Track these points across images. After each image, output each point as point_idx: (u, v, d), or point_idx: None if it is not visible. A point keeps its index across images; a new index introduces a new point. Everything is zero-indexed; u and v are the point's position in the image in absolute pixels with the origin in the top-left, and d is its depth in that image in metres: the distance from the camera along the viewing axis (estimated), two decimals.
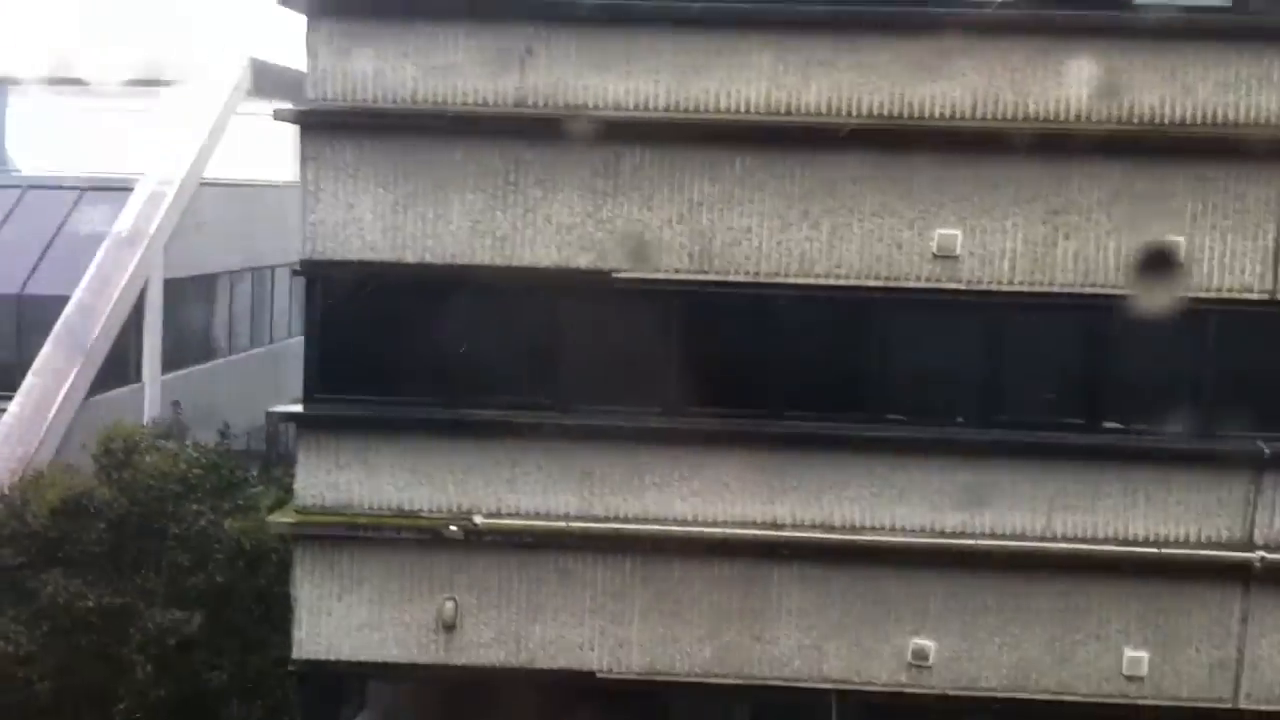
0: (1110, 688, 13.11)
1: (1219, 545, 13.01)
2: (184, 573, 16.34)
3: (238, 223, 26.55)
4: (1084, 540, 13.01)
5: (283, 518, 13.51)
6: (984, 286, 12.82)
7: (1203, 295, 12.79)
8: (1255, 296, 12.82)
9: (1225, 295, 12.80)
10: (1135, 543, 13.01)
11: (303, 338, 13.69)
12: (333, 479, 13.15)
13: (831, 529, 13.04)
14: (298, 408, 13.40)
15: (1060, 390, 13.29)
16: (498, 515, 13.11)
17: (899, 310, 12.96)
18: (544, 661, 13.20)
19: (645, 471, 13.08)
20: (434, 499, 13.12)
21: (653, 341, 13.09)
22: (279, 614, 14.87)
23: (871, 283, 12.86)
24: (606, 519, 13.09)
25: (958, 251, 12.78)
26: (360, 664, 13.36)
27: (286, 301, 28.84)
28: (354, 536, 13.11)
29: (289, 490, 13.89)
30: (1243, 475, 12.97)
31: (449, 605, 13.08)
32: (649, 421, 13.08)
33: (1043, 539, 13.01)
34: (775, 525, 13.06)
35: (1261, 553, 12.93)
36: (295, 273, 13.49)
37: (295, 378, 13.64)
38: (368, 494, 13.14)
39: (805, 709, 12.72)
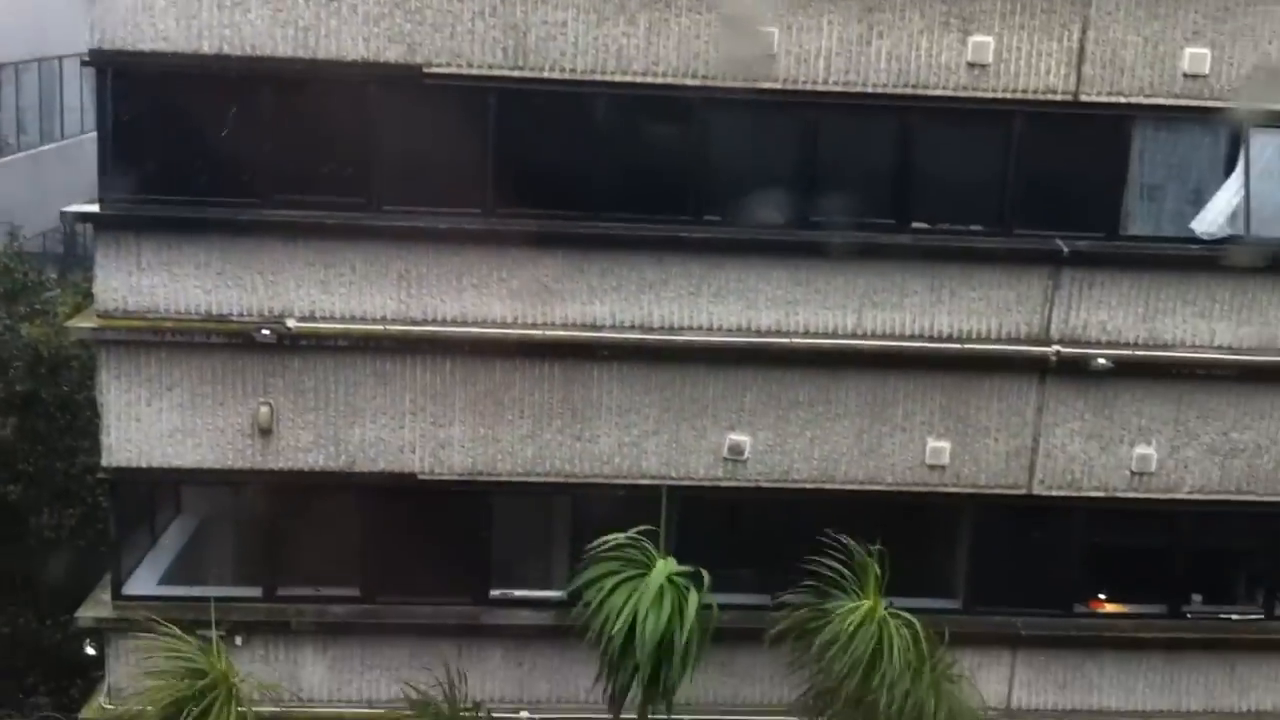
0: (914, 477, 13.69)
1: (1018, 340, 13.53)
2: None
3: (21, 11, 24.93)
4: (891, 337, 13.40)
5: (83, 323, 13.03)
6: (800, 86, 12.82)
7: (1008, 96, 13.02)
8: (1058, 98, 13.09)
9: (1030, 96, 13.03)
10: (939, 338, 13.45)
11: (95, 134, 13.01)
12: (135, 282, 12.69)
13: (650, 329, 13.15)
14: (94, 208, 12.80)
15: (871, 191, 13.47)
16: (311, 318, 12.86)
17: (717, 110, 12.89)
18: (364, 465, 13.17)
19: (463, 273, 12.94)
20: (244, 302, 12.78)
21: (468, 140, 12.80)
22: (85, 422, 14.52)
23: (689, 81, 12.73)
24: (424, 321, 12.96)
25: (775, 50, 12.71)
26: (174, 470, 13.15)
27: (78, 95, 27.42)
28: (161, 341, 12.75)
29: (89, 294, 13.37)
30: (1042, 272, 13.44)
31: (264, 410, 12.88)
32: (466, 223, 12.89)
33: (853, 336, 13.35)
34: (595, 326, 13.10)
35: (1057, 347, 13.50)
36: (85, 64, 12.73)
37: (92, 176, 12.99)
38: (173, 297, 12.73)
39: (625, 505, 12.94)
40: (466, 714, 12.68)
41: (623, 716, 12.48)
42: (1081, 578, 14.31)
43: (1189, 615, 14.47)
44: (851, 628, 12.03)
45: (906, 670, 12.00)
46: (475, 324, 13.01)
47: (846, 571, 12.52)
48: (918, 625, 12.23)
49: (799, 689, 13.02)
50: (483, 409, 13.20)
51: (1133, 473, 13.88)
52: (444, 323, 12.98)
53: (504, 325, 13.04)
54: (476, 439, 13.24)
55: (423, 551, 13.47)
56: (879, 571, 12.32)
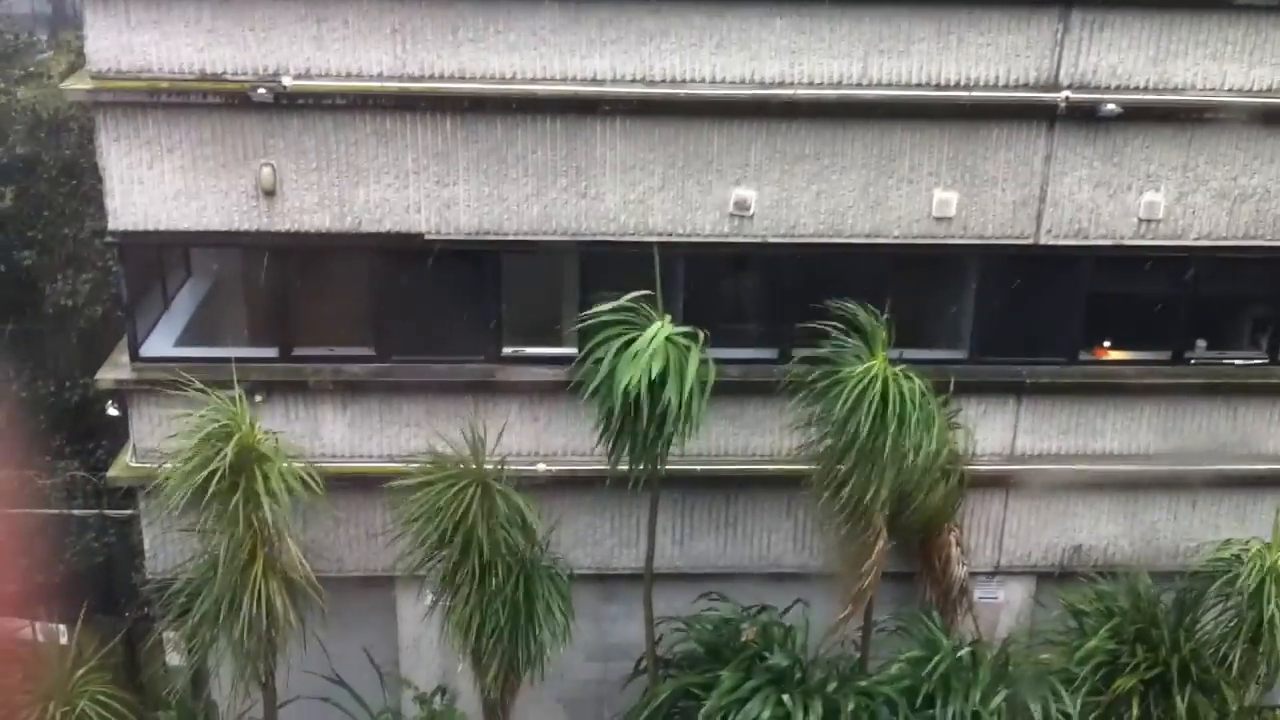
0: (920, 229, 13.64)
1: (1026, 87, 13.31)
2: None
3: None
4: (898, 86, 13.18)
5: (78, 84, 12.86)
6: None
7: None
8: None
9: None
10: (946, 86, 13.23)
11: None
12: (126, 40, 12.47)
13: (652, 82, 12.95)
14: None
15: None
16: (307, 76, 12.68)
17: None
18: (370, 225, 13.17)
19: (458, 26, 12.66)
20: (237, 60, 12.58)
21: None
22: (90, 186, 14.49)
23: None
24: (422, 78, 12.77)
25: None
26: (180, 233, 13.17)
27: None
28: (157, 102, 12.62)
29: (82, 54, 13.15)
30: (1051, 15, 13.12)
31: (266, 171, 12.82)
32: None
33: (859, 86, 13.13)
34: (595, 80, 12.90)
35: (1066, 93, 13.28)
36: None
37: None
38: (166, 56, 12.53)
39: (632, 262, 12.94)
40: (489, 465, 12.97)
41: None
42: (1087, 326, 14.39)
43: (1192, 361, 14.62)
44: (860, 379, 12.21)
45: (913, 420, 12.22)
46: (474, 79, 12.82)
47: (855, 325, 12.64)
48: (923, 379, 12.44)
49: (808, 440, 13.30)
50: (487, 167, 13.11)
51: (1140, 220, 13.82)
52: (442, 79, 12.79)
53: (503, 80, 12.85)
54: (482, 198, 13.20)
55: (435, 311, 13.60)
56: (886, 324, 12.43)
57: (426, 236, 13.28)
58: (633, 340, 11.93)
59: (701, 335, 12.04)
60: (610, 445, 12.37)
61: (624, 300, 12.20)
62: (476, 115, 12.94)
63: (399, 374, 13.83)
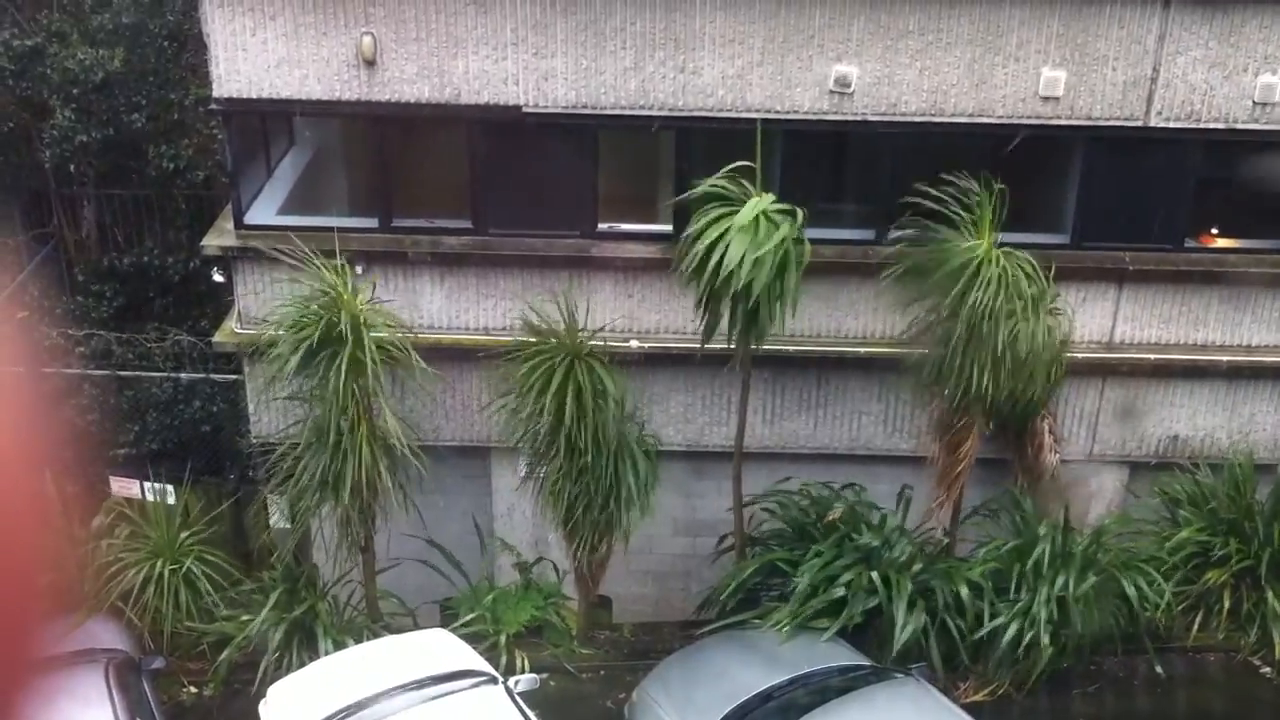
0: (1026, 109, 13.34)
1: None
2: (89, 11, 15.81)
3: None
4: None
5: None
6: None
7: None
8: None
9: None
10: None
11: None
12: None
13: None
14: None
15: None
16: None
17: None
18: (469, 97, 13.16)
19: None
20: None
21: None
22: (194, 54, 14.60)
23: None
24: None
25: None
26: (283, 101, 13.25)
27: None
28: None
29: None
30: None
31: (367, 40, 12.84)
32: None
33: None
34: None
35: None
36: None
37: None
38: None
39: (730, 139, 12.83)
40: (583, 338, 13.08)
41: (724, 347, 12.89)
42: (1194, 213, 14.07)
43: None
44: (968, 258, 12.12)
45: (1021, 305, 12.13)
46: None
47: (960, 207, 12.49)
48: (1032, 263, 12.29)
49: (906, 323, 13.25)
50: (584, 40, 13.02)
51: (1255, 103, 13.40)
52: None
53: None
54: (580, 71, 13.12)
55: (532, 185, 13.63)
56: (994, 206, 12.27)
57: (524, 109, 13.26)
58: (730, 215, 11.89)
59: (800, 213, 11.96)
60: (705, 322, 12.40)
61: (722, 175, 12.14)
62: None
63: (495, 247, 13.90)
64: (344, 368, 12.43)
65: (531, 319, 13.21)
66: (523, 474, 14.41)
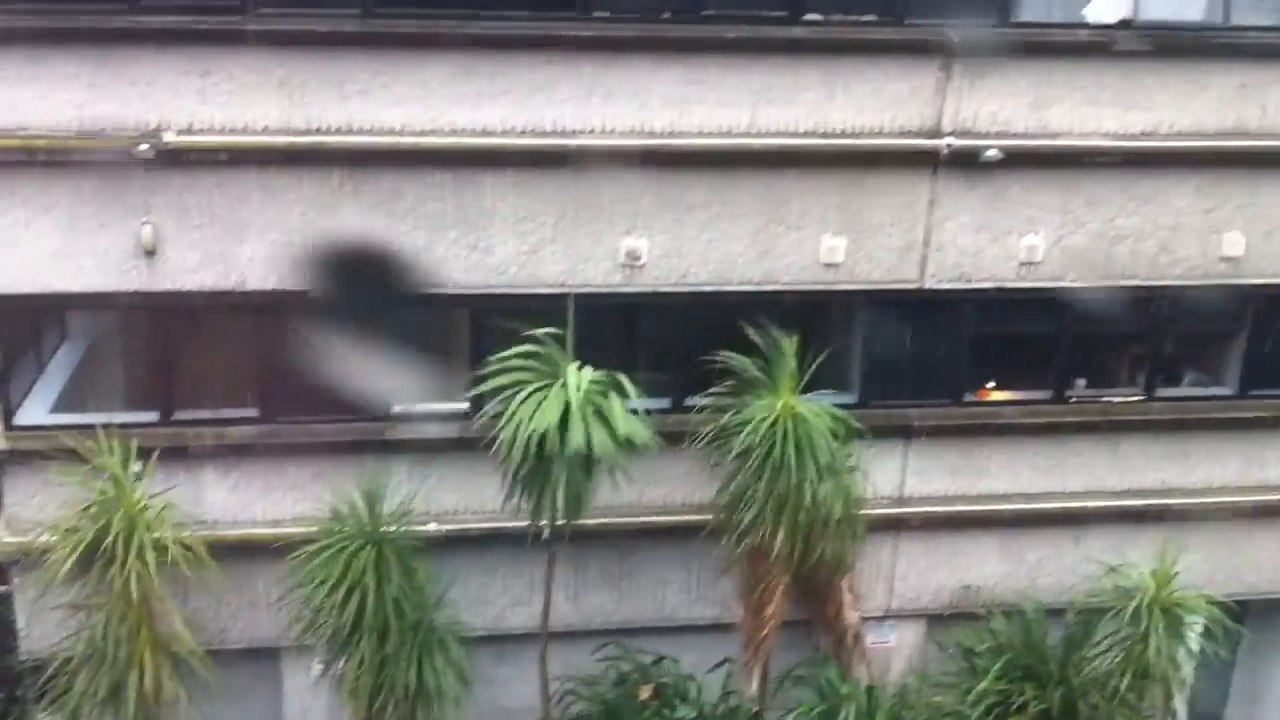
0: (809, 275, 13.73)
1: (910, 134, 13.51)
2: None
3: None
4: (786, 134, 13.27)
5: None
6: None
7: None
8: None
9: None
10: (833, 134, 13.35)
11: None
12: (4, 98, 11.96)
13: (543, 133, 12.83)
14: None
15: None
16: (190, 131, 12.29)
17: None
18: (255, 283, 12.77)
19: (346, 79, 12.43)
20: (118, 116, 12.15)
21: None
22: None
23: None
24: (309, 131, 12.48)
25: None
26: (58, 295, 12.63)
27: None
28: (34, 161, 12.10)
29: None
30: (933, 63, 13.36)
31: (147, 229, 12.37)
32: (345, 24, 12.34)
33: (748, 135, 13.20)
34: (485, 132, 12.74)
35: (949, 139, 13.51)
36: None
37: None
38: (43, 113, 12.05)
39: (524, 315, 12.75)
40: (387, 525, 12.67)
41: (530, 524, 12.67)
42: (971, 368, 14.62)
43: (1073, 399, 14.95)
44: (767, 418, 12.28)
45: (817, 465, 12.32)
46: (362, 132, 12.56)
47: (756, 370, 12.72)
48: (836, 414, 12.54)
49: (708, 488, 13.29)
50: (375, 222, 12.84)
51: (1021, 263, 14.11)
52: (329, 132, 12.51)
53: (392, 133, 12.61)
54: None
55: (323, 368, 13.24)
56: (791, 368, 12.53)
57: (312, 294, 12.94)
58: (542, 390, 11.81)
59: (624, 381, 11.99)
60: (520, 499, 12.19)
61: (524, 349, 12.11)
62: (364, 168, 12.68)
63: (285, 435, 13.42)
64: (122, 571, 11.77)
65: (327, 507, 12.76)
66: (318, 671, 13.72)
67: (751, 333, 13.06)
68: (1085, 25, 13.61)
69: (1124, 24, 13.57)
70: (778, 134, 13.21)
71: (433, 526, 13.70)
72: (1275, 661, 16.67)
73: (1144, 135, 13.88)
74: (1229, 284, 14.65)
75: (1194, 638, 14.22)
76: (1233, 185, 14.33)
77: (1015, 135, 13.62)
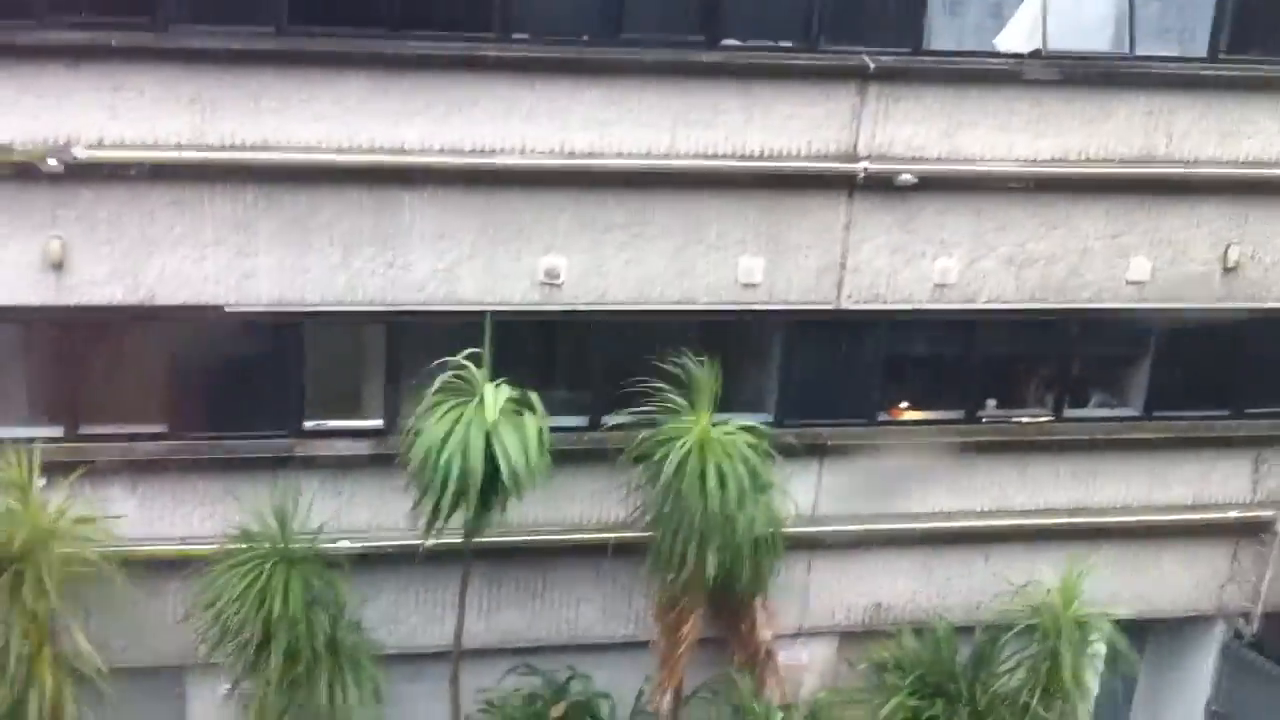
0: (728, 295, 13.80)
1: (827, 157, 13.64)
2: None
3: None
4: (705, 156, 13.33)
5: None
6: None
7: None
8: None
9: None
10: (751, 157, 13.45)
11: None
12: None
13: (462, 152, 12.78)
14: None
15: (682, 7, 13.29)
16: (100, 146, 12.10)
17: None
18: (166, 298, 12.58)
19: (261, 95, 12.29)
20: (27, 130, 11.94)
21: None
22: None
23: None
24: (222, 147, 12.33)
25: None
26: None
27: None
28: None
29: None
30: (849, 88, 13.51)
31: (55, 243, 12.15)
32: (260, 42, 12.22)
33: (667, 156, 13.24)
34: (404, 150, 12.67)
35: (865, 163, 13.66)
36: None
37: None
38: None
39: (442, 333, 12.70)
40: (298, 542, 12.55)
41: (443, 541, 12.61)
42: (885, 388, 14.79)
43: (984, 420, 15.16)
44: (686, 439, 12.33)
45: (741, 482, 12.40)
46: (278, 149, 12.43)
47: (675, 390, 12.78)
48: (758, 430, 12.65)
49: (624, 507, 13.32)
50: (290, 238, 12.71)
51: (935, 285, 14.29)
52: (244, 148, 12.36)
53: (308, 150, 12.50)
54: (284, 269, 12.77)
55: (233, 385, 13.11)
56: (709, 387, 12.60)
57: (225, 309, 12.78)
58: (458, 408, 11.77)
59: (535, 399, 11.96)
60: (433, 517, 12.13)
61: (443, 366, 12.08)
62: (280, 185, 12.54)
63: (195, 450, 13.23)
64: (24, 587, 11.54)
65: (237, 523, 12.63)
66: (225, 691, 13.55)
67: (670, 352, 13.10)
68: (997, 54, 13.85)
69: (1035, 53, 13.81)
70: (697, 156, 13.28)
71: (345, 543, 13.57)
72: (1176, 679, 17.02)
73: (1054, 161, 14.13)
74: (1135, 308, 14.95)
75: (1099, 655, 14.48)
76: (1139, 211, 14.65)
77: (929, 160, 13.81)
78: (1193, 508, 15.91)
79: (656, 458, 12.74)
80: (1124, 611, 14.42)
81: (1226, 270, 15.08)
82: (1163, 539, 15.90)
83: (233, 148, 12.33)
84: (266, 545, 12.53)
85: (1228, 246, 15.00)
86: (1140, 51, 14.19)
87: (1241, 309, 15.27)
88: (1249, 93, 14.55)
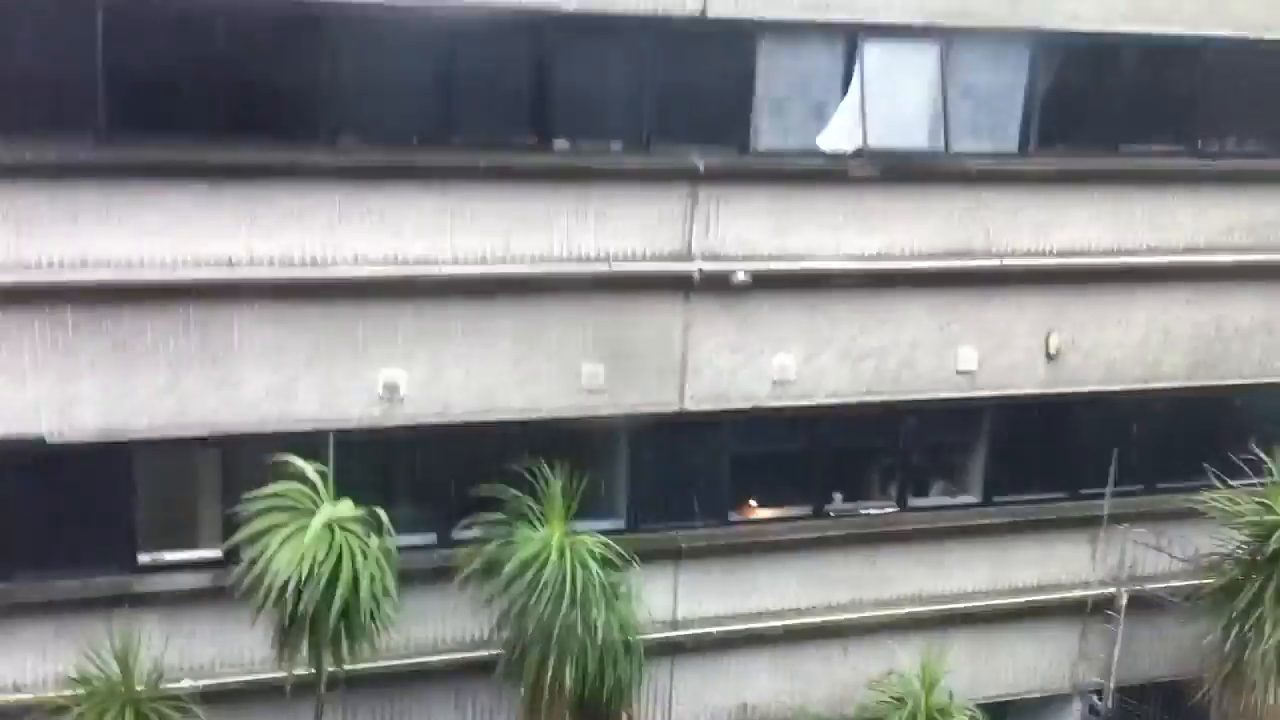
0: (571, 402, 13.66)
1: (663, 258, 13.71)
2: None
3: None
4: (541, 260, 13.27)
5: None
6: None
7: (638, 13, 13.05)
8: (685, 14, 13.22)
9: (658, 13, 13.12)
10: (588, 259, 13.43)
11: None
12: None
13: (292, 264, 12.49)
14: None
15: (513, 111, 13.29)
16: None
17: (349, 25, 12.26)
18: None
19: (79, 210, 11.81)
20: None
21: (75, 56, 11.61)
22: None
23: None
24: (39, 266, 11.80)
25: None
26: None
27: None
28: None
29: None
30: (681, 189, 13.66)
31: None
32: (77, 154, 11.80)
33: (504, 261, 13.14)
34: (231, 262, 12.30)
35: (700, 263, 13.76)
36: None
37: None
38: None
39: (277, 453, 12.22)
40: (139, 684, 11.83)
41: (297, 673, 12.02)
42: (733, 487, 14.75)
43: (832, 514, 15.22)
44: (538, 554, 12.07)
45: (593, 592, 12.15)
46: (96, 266, 11.93)
47: (526, 499, 12.54)
48: (609, 545, 12.42)
49: (480, 625, 12.90)
50: (114, 361, 12.18)
51: (774, 382, 14.38)
52: (61, 266, 11.85)
53: (130, 266, 12.04)
54: (109, 394, 12.22)
55: (59, 521, 12.38)
56: (561, 495, 12.39)
57: (49, 440, 12.15)
58: (297, 531, 11.28)
59: (382, 516, 11.57)
60: (278, 648, 11.55)
61: (277, 488, 11.62)
62: (101, 305, 12.04)
63: (19, 594, 12.43)
64: None
65: (74, 668, 11.85)
66: None
67: (519, 461, 12.87)
68: (820, 153, 14.13)
69: (857, 152, 14.15)
70: (533, 260, 13.22)
71: (187, 683, 12.80)
72: None
73: (879, 256, 14.44)
74: (967, 396, 15.26)
75: None
76: (963, 302, 15.05)
77: (760, 258, 13.98)
78: (1038, 589, 16.15)
79: (508, 570, 12.43)
80: (982, 695, 14.41)
81: (1049, 357, 15.52)
82: (1013, 622, 16.06)
83: (50, 266, 11.82)
84: (106, 690, 11.80)
85: (1049, 334, 15.47)
86: (955, 148, 14.67)
87: (1066, 393, 15.70)
88: (1060, 185, 15.14)
